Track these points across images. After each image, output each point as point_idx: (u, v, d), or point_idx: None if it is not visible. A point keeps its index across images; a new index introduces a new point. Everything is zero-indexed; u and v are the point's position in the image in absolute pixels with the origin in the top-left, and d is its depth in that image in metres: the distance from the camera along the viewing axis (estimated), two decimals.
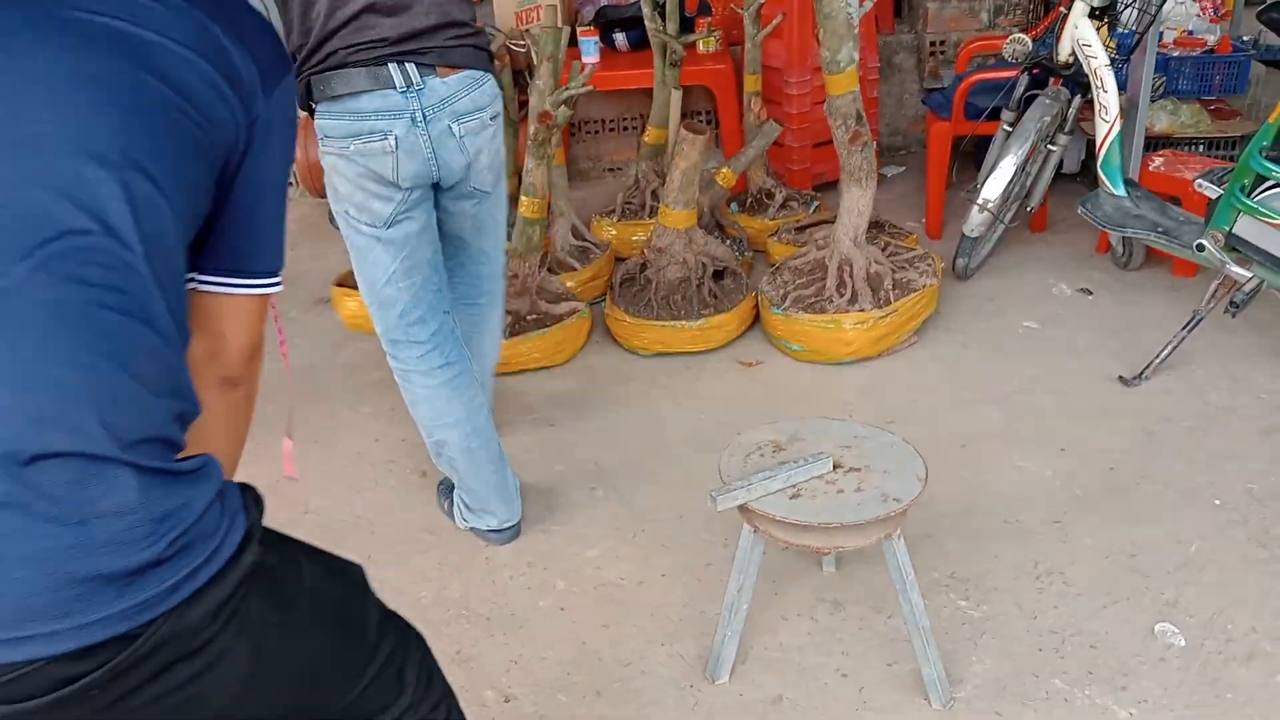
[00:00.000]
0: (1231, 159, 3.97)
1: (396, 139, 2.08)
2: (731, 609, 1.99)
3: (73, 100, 0.89)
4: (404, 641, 1.24)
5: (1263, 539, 2.32)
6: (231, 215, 1.05)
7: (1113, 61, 3.27)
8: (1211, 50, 4.08)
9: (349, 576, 1.18)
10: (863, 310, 3.07)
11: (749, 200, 4.13)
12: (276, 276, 1.13)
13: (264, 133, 1.04)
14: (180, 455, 0.96)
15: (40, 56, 0.89)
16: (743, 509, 1.88)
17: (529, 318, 3.34)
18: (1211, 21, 4.30)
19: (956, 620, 2.15)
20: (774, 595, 2.26)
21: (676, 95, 3.71)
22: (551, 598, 2.31)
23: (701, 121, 4.95)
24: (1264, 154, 2.69)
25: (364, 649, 1.17)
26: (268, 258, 1.11)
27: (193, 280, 1.06)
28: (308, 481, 2.78)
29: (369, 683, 1.17)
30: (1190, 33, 4.18)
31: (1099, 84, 3.10)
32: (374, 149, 2.08)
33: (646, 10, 3.77)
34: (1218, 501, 2.45)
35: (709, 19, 4.42)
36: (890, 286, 3.13)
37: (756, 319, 3.38)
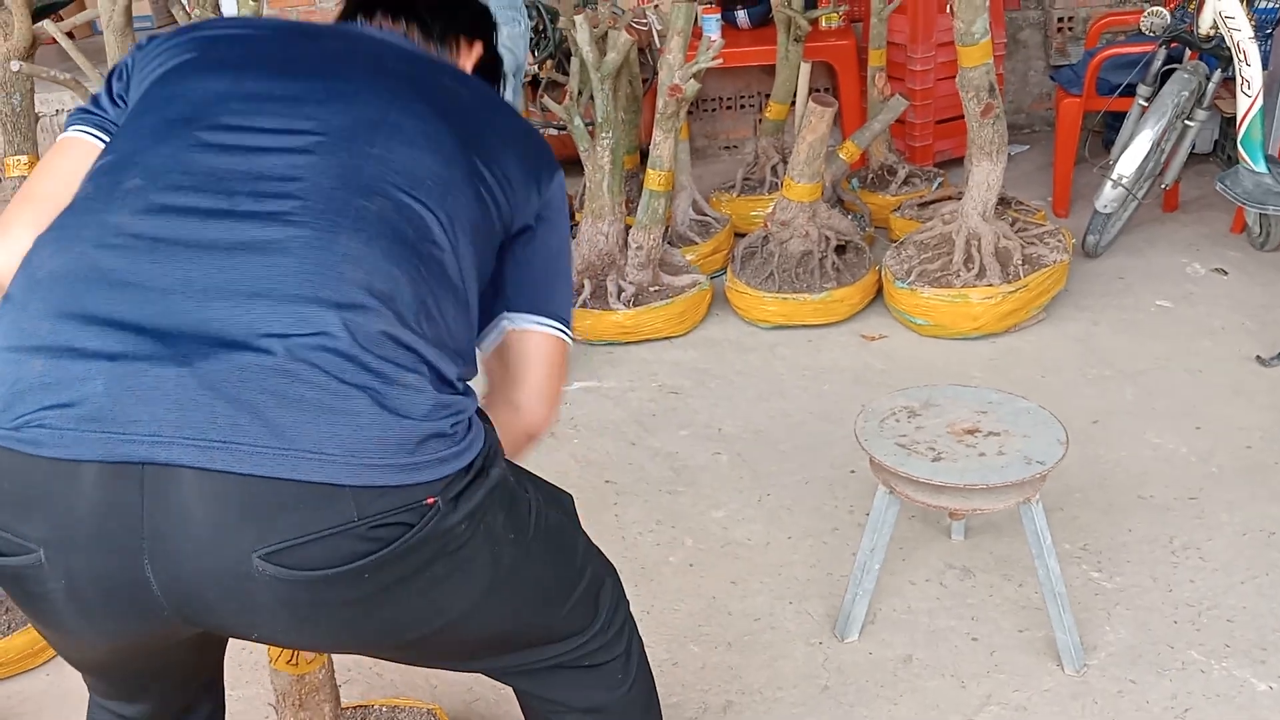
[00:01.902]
0: None
1: None
2: (864, 568, 2.02)
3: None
4: (602, 570, 1.35)
5: None
6: (528, 269, 1.29)
7: (1265, 37, 3.18)
8: None
9: (563, 505, 1.32)
10: (991, 285, 3.05)
11: (870, 176, 4.12)
12: (569, 329, 1.34)
13: (545, 212, 1.29)
14: None
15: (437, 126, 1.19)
16: (879, 468, 1.91)
17: (652, 289, 3.40)
18: None
19: (1090, 591, 2.15)
20: (901, 561, 2.28)
21: (805, 68, 3.73)
22: (680, 554, 2.37)
23: None
24: None
25: (573, 573, 1.28)
26: (561, 308, 1.33)
27: (504, 319, 1.29)
28: None
29: (572, 606, 1.27)
30: None
31: (1241, 57, 3.02)
32: None
33: None
34: None
35: None
36: (1020, 262, 3.10)
37: (879, 293, 3.38)
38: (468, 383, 1.16)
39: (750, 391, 3.02)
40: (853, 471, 2.57)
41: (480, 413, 1.17)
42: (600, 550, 1.39)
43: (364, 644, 1.13)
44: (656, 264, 3.42)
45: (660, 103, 3.22)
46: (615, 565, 1.42)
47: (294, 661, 1.51)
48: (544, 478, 1.33)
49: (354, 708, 1.89)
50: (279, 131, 1.11)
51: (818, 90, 4.90)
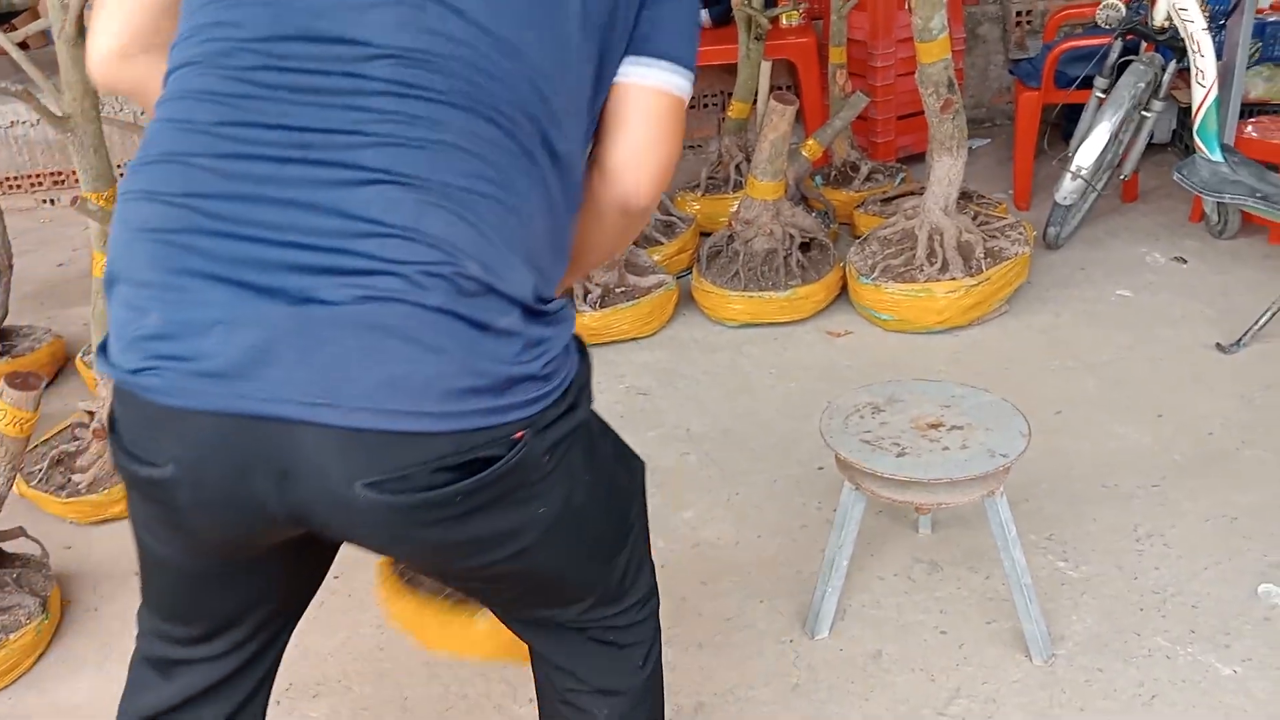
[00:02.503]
0: None
1: None
2: (831, 565, 2.03)
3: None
4: (646, 552, 1.37)
5: None
6: (649, 24, 1.16)
7: (1218, 28, 3.22)
8: None
9: (633, 469, 1.34)
10: (954, 279, 3.07)
11: (833, 173, 4.13)
12: (687, 69, 1.18)
13: None
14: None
15: None
16: (844, 465, 1.92)
17: (618, 290, 3.39)
18: None
19: (1056, 581, 2.16)
20: (870, 556, 2.29)
21: (766, 66, 3.74)
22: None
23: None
24: None
25: (624, 537, 1.30)
26: (677, 47, 1.18)
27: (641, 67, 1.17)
28: None
29: (618, 568, 1.29)
30: None
31: (1195, 48, 3.05)
32: None
33: None
34: None
35: None
36: (982, 255, 3.12)
37: (844, 289, 3.40)
38: (560, 298, 1.16)
39: (717, 391, 3.03)
40: (820, 468, 2.57)
41: (577, 339, 1.19)
42: (649, 535, 1.40)
43: (445, 558, 1.17)
44: (622, 265, 3.41)
45: None
46: None
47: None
48: None
49: None
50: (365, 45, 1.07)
51: (779, 88, 4.92)
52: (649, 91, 1.17)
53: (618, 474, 1.29)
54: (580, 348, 1.20)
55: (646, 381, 3.10)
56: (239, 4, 1.09)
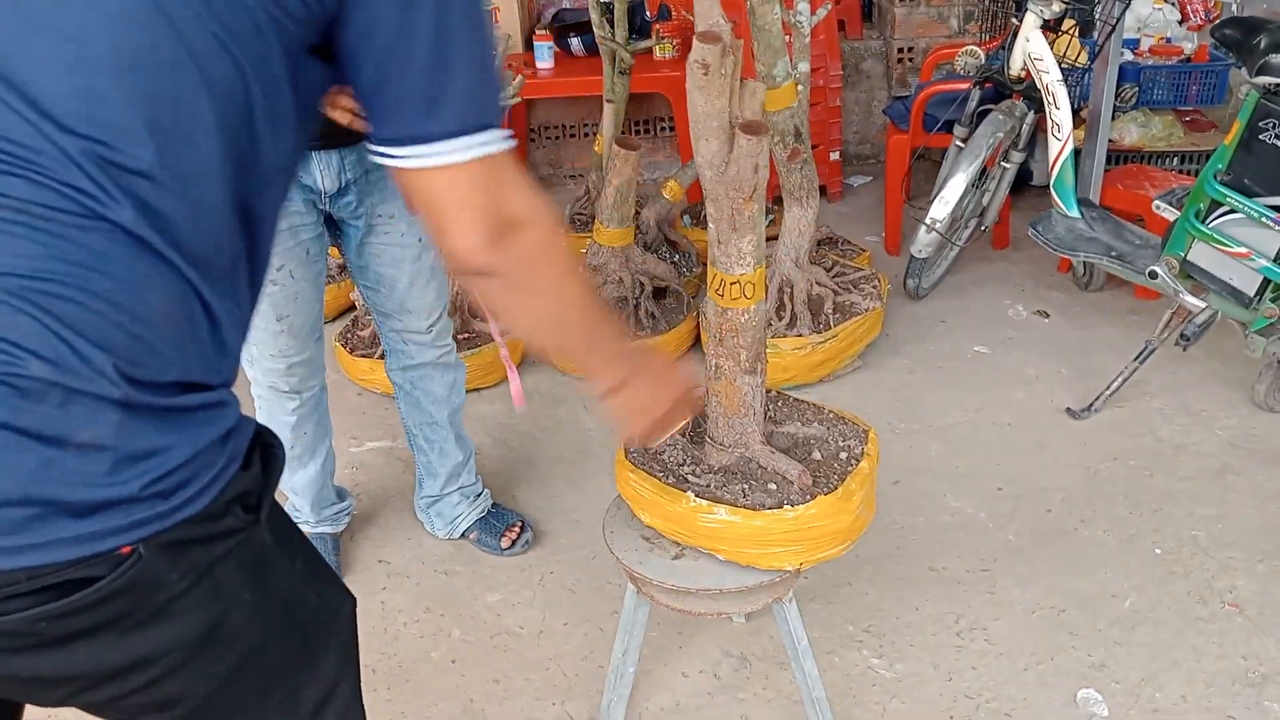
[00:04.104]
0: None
1: None
2: (617, 673, 1.86)
3: None
4: (351, 690, 1.16)
5: (1204, 593, 2.18)
6: (370, 68, 0.95)
7: (1084, 71, 3.12)
8: (1188, 59, 3.92)
9: (329, 594, 1.12)
10: (801, 335, 2.93)
11: (703, 213, 3.97)
12: (474, 134, 0.96)
13: None
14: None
15: None
16: (629, 571, 1.75)
17: (460, 336, 3.20)
18: (1191, 29, 4.15)
19: (867, 681, 2.02)
20: (679, 648, 2.13)
21: (609, 109, 3.55)
22: (445, 648, 2.18)
23: (663, 130, 4.82)
24: (1218, 178, 2.54)
25: (305, 670, 1.08)
26: (440, 117, 0.95)
27: (377, 155, 0.98)
28: None
29: (295, 711, 1.08)
30: (1168, 40, 4.02)
31: (1051, 100, 2.95)
32: None
33: (594, 17, 3.62)
34: (1159, 550, 2.31)
35: (666, 24, 4.27)
36: (831, 310, 2.98)
37: (697, 340, 3.24)
38: (214, 390, 0.95)
39: (552, 451, 2.85)
40: None
41: (258, 438, 1.00)
42: (359, 688, 1.19)
43: (57, 690, 0.97)
44: (465, 309, 3.22)
45: None
46: (371, 664, 1.21)
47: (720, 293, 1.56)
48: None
49: None
50: None
51: (660, 120, 4.78)
52: (442, 173, 0.97)
53: (304, 598, 1.08)
54: (256, 450, 1.00)
55: (480, 438, 2.91)
56: None
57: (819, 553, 1.70)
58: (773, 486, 1.72)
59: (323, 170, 1.97)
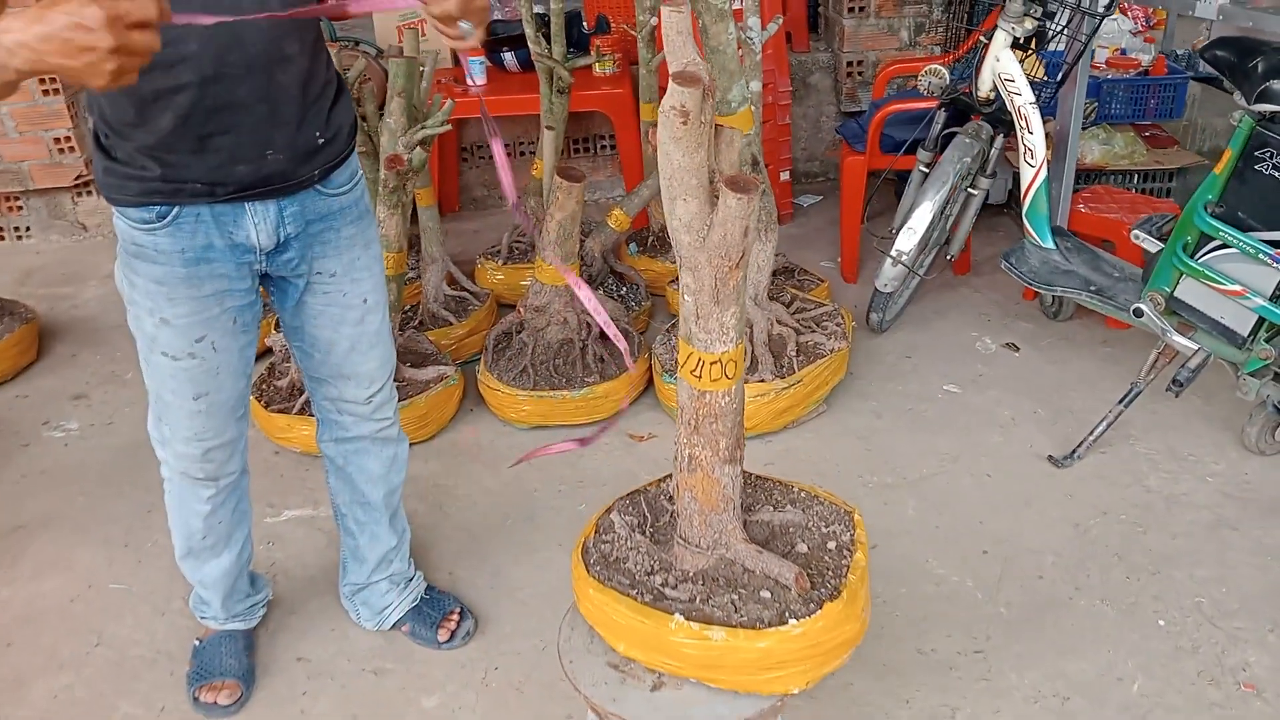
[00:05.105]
0: (1167, 193, 3.69)
1: None
2: None
3: None
4: None
5: (1215, 673, 1.99)
6: None
7: (1041, 85, 2.93)
8: (1146, 71, 3.78)
9: None
10: (763, 381, 2.70)
11: (650, 239, 3.74)
12: None
13: None
14: None
15: None
16: (598, 710, 1.49)
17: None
18: (1145, 40, 4.01)
19: None
20: None
21: (549, 136, 3.29)
22: None
23: (604, 148, 4.57)
24: (1209, 210, 2.36)
25: None
26: None
27: None
28: (104, 601, 2.34)
29: None
30: (1123, 52, 3.88)
31: (1023, 124, 2.76)
32: None
33: (529, 31, 3.36)
34: (1162, 622, 2.11)
35: (605, 38, 4.02)
36: (794, 353, 2.76)
37: (650, 383, 3.00)
38: None
39: (495, 517, 2.58)
40: None
41: None
42: None
43: None
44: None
45: (381, 175, 2.74)
46: None
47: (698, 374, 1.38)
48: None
49: None
50: None
51: (600, 139, 4.53)
52: None
53: None
54: None
55: (412, 505, 2.62)
56: None
57: (826, 667, 1.47)
58: (766, 594, 1.49)
59: (258, 225, 1.68)
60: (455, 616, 2.18)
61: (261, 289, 1.82)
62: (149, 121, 1.54)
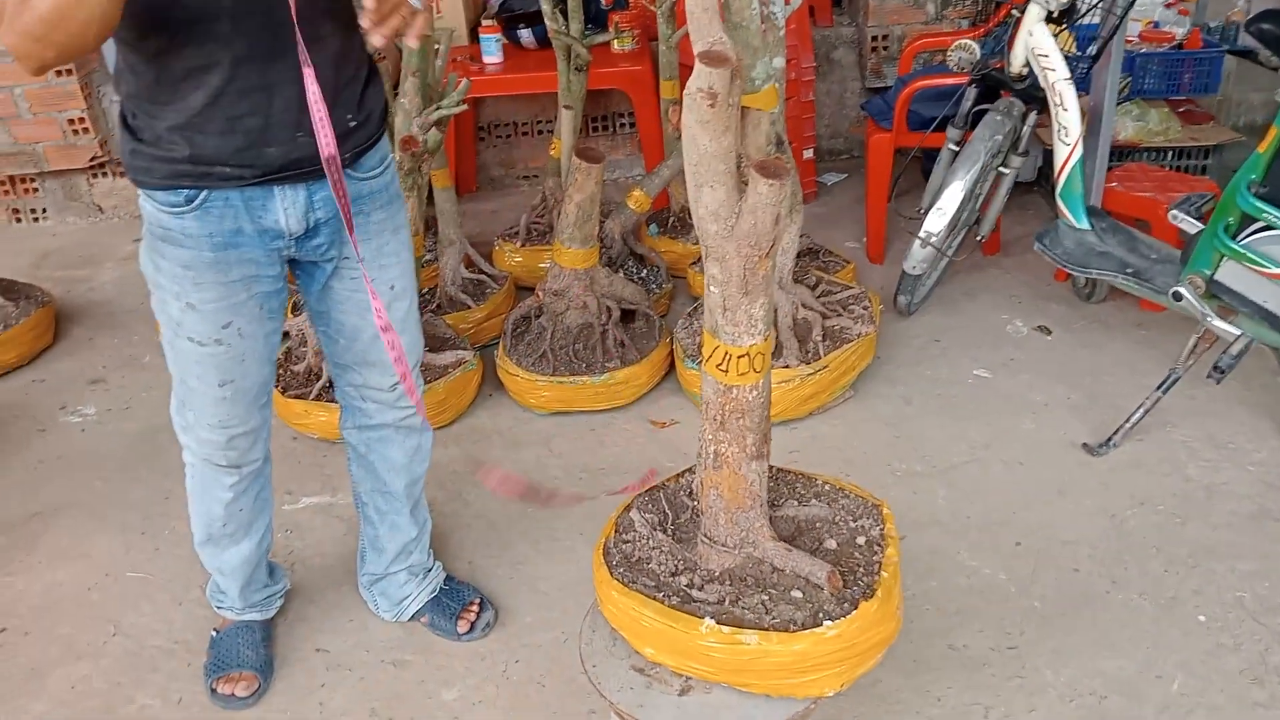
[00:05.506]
0: (1203, 169, 3.59)
1: None
2: None
3: None
4: None
5: (1259, 670, 1.92)
6: None
7: (1075, 60, 2.84)
8: (1180, 45, 3.67)
9: None
10: (788, 367, 2.64)
11: (671, 220, 3.67)
12: None
13: None
14: None
15: None
16: (624, 716, 1.44)
17: None
18: (1179, 12, 3.90)
19: None
20: None
21: (567, 115, 3.22)
22: None
23: (623, 126, 4.49)
24: (1253, 190, 2.28)
25: None
26: None
27: None
28: (122, 589, 2.31)
29: None
30: (1156, 25, 3.76)
31: (1058, 101, 2.67)
32: None
33: (546, 7, 3.28)
34: (1203, 617, 2.05)
35: (623, 13, 3.94)
36: (820, 337, 2.69)
37: (672, 367, 2.94)
38: None
39: (515, 505, 2.53)
40: None
41: None
42: None
43: None
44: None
45: (396, 157, 2.68)
46: None
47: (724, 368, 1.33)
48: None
49: None
50: None
51: (619, 117, 4.45)
52: None
53: None
54: None
55: (432, 492, 2.58)
56: None
57: (861, 668, 1.42)
58: (798, 594, 1.43)
59: (287, 210, 1.63)
60: (475, 607, 2.14)
61: (287, 273, 1.78)
62: (179, 99, 1.50)
